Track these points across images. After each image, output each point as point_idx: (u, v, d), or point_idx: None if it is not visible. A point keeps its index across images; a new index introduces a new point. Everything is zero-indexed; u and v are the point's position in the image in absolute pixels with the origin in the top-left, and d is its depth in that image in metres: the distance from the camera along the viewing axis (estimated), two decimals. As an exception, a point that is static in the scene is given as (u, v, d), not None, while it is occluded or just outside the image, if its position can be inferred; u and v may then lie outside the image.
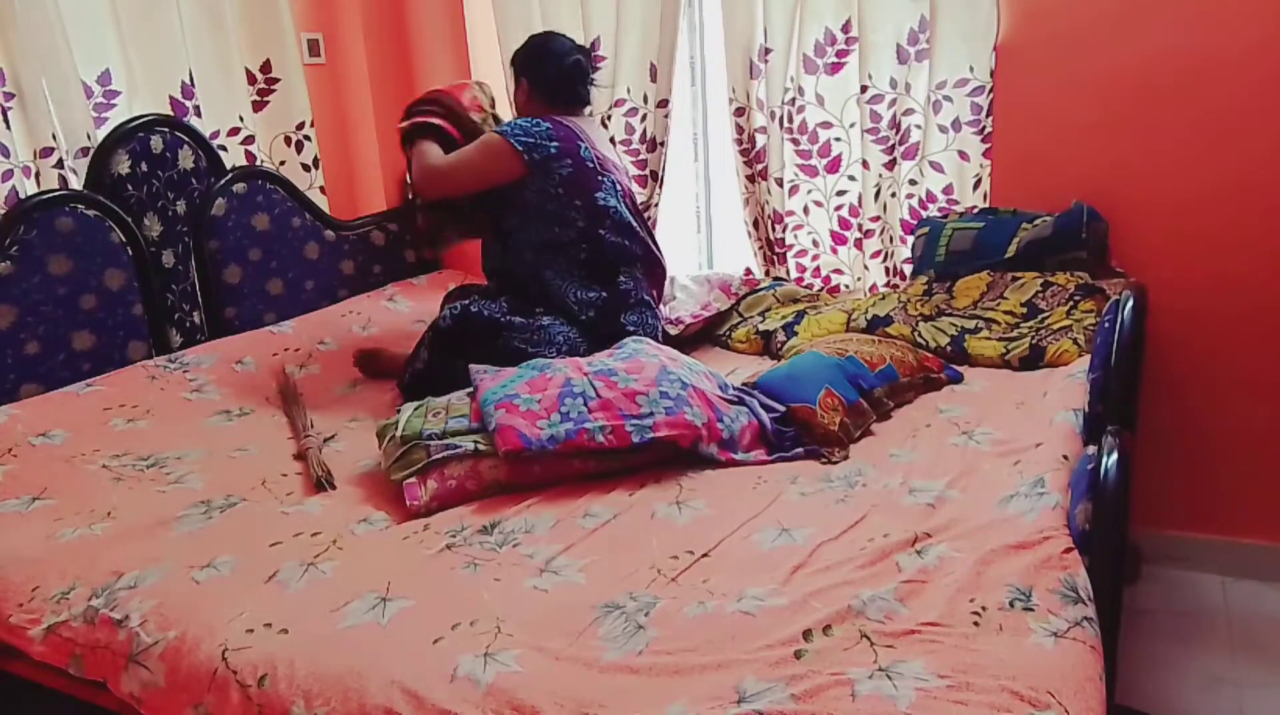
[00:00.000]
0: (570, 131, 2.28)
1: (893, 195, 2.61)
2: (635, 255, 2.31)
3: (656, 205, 2.88)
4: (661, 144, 2.81)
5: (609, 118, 2.85)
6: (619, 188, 2.33)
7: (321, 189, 2.91)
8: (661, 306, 2.50)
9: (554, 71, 2.35)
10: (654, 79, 2.74)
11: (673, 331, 2.51)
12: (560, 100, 2.36)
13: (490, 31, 2.99)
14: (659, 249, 2.43)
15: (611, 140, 2.90)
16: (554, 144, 2.23)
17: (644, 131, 2.81)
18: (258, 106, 2.75)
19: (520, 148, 2.22)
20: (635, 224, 2.33)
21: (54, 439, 1.96)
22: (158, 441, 1.99)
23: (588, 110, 2.45)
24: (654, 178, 2.85)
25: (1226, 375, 2.38)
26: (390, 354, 2.43)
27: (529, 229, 2.27)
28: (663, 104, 2.77)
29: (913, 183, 2.58)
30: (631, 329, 2.26)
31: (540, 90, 2.36)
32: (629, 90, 2.81)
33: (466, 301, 2.26)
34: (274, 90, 2.78)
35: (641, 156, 2.84)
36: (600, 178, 2.28)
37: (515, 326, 2.16)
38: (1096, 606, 1.23)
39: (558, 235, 2.25)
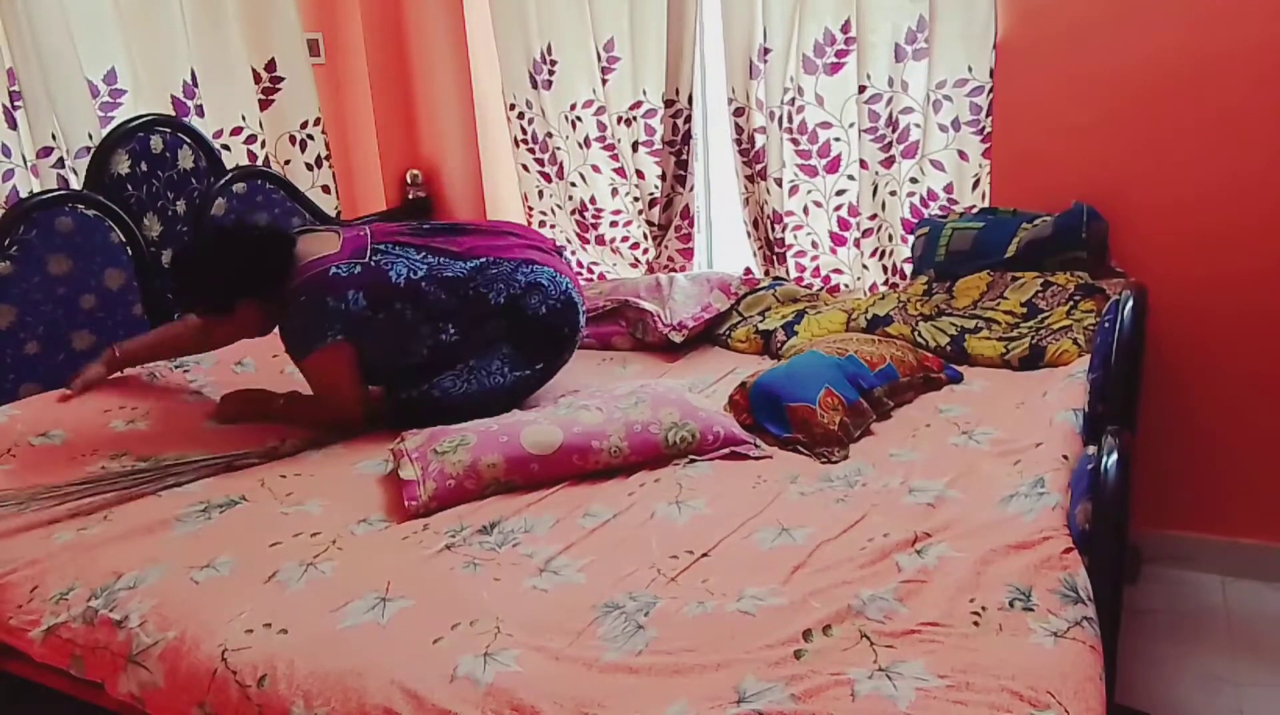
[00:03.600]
0: (312, 278, 1.94)
1: (892, 193, 2.61)
2: (451, 294, 2.04)
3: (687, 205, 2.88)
4: (688, 140, 2.79)
5: (630, 120, 2.84)
6: (370, 239, 2.05)
7: (325, 188, 2.91)
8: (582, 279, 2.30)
9: (261, 259, 1.97)
10: (674, 77, 2.73)
11: (676, 338, 2.50)
12: (276, 276, 1.97)
13: (490, 31, 2.99)
14: (472, 227, 2.21)
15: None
16: (329, 300, 1.92)
17: (665, 131, 2.79)
18: (264, 105, 2.76)
19: (330, 338, 1.94)
20: (430, 261, 2.05)
21: (53, 439, 1.96)
22: (157, 442, 1.99)
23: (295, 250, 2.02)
24: (680, 180, 2.83)
25: (1227, 375, 2.38)
26: (258, 398, 2.18)
27: (404, 358, 2.05)
28: (670, 102, 2.76)
29: (914, 181, 2.58)
30: (439, 396, 2.04)
31: (268, 293, 1.98)
32: (645, 92, 2.81)
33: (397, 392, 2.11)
34: (279, 89, 2.78)
35: (671, 156, 2.81)
36: (386, 267, 1.98)
37: (448, 389, 2.03)
38: (1096, 606, 1.23)
39: (411, 355, 2.05)
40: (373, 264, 1.99)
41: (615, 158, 2.93)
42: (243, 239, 2.02)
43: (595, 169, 2.98)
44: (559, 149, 2.99)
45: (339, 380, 2.04)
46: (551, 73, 2.92)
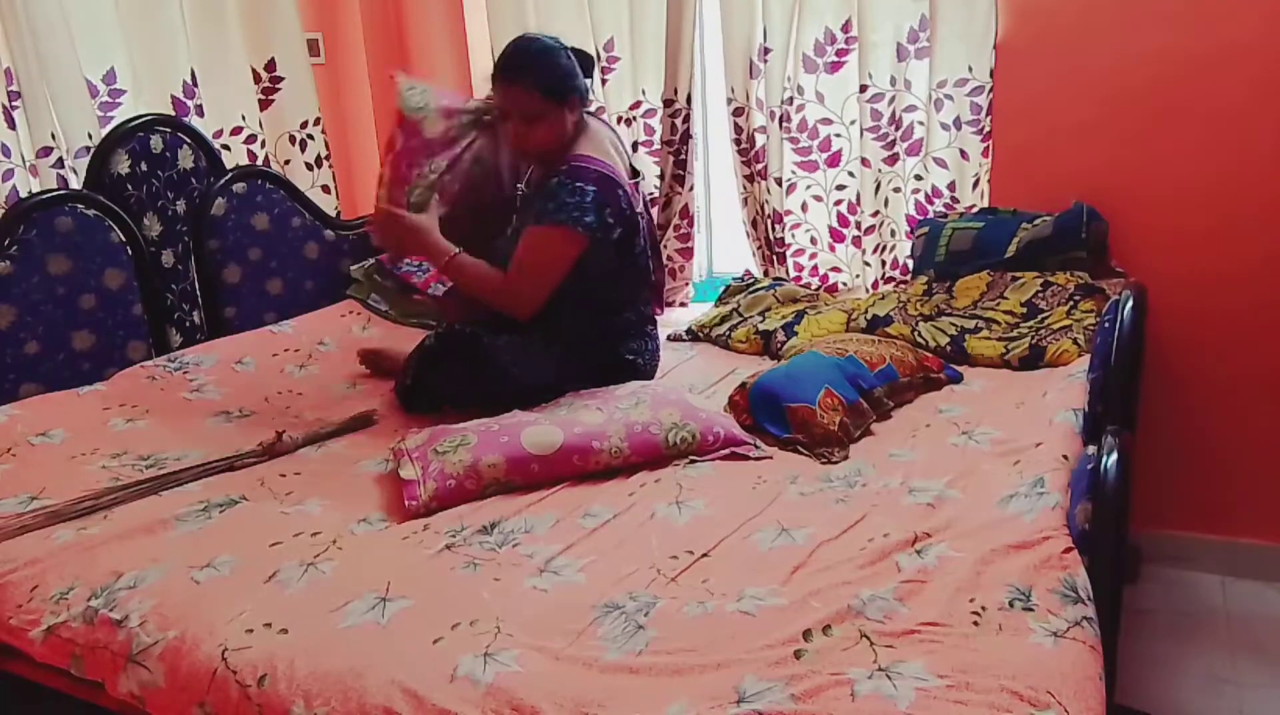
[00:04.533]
0: (611, 180, 2.02)
1: (895, 190, 2.61)
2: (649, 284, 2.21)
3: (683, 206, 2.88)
4: (687, 140, 2.79)
5: (630, 120, 2.84)
6: (634, 196, 2.14)
7: (325, 188, 2.91)
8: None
9: (585, 64, 2.10)
10: (673, 77, 2.73)
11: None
12: (586, 103, 2.12)
13: (490, 32, 2.99)
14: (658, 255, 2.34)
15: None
16: (608, 212, 2.00)
17: (664, 131, 2.80)
18: (263, 105, 2.76)
19: (582, 230, 1.98)
20: (649, 250, 2.20)
21: (53, 439, 1.96)
22: (157, 441, 1.99)
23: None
24: (679, 180, 2.83)
25: (1227, 375, 2.38)
26: (391, 354, 2.41)
27: (567, 286, 2.05)
28: (669, 102, 2.76)
29: (918, 178, 2.58)
30: (630, 358, 2.16)
31: (585, 100, 2.09)
32: (644, 92, 2.81)
33: (452, 322, 2.18)
34: (279, 89, 2.78)
35: (670, 156, 2.82)
36: (639, 220, 2.11)
37: (499, 348, 2.05)
38: (1096, 606, 1.23)
39: (597, 292, 2.11)
40: (636, 219, 2.10)
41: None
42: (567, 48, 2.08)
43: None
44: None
45: (554, 264, 2.01)
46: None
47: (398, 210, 2.06)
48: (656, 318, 2.31)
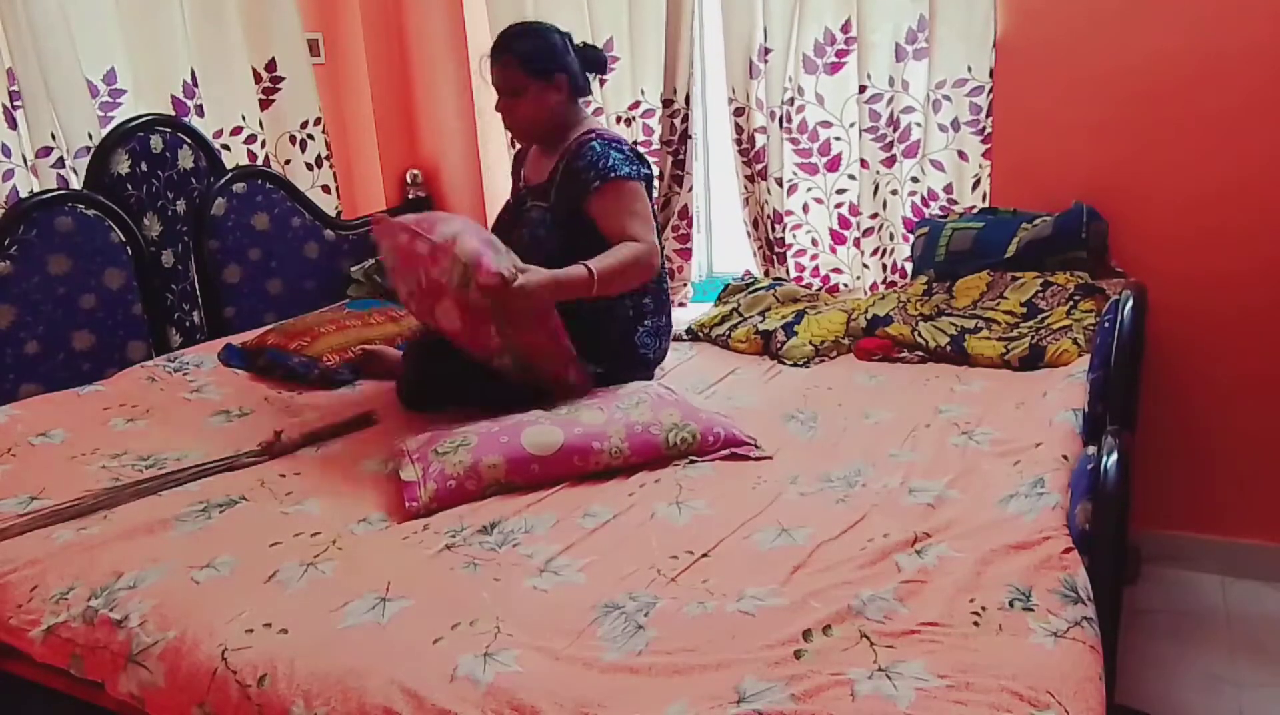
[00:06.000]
0: (622, 140, 2.11)
1: (893, 193, 2.61)
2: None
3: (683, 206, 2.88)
4: (685, 140, 2.79)
5: (629, 120, 2.84)
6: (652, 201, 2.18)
7: (325, 188, 2.91)
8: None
9: (582, 58, 2.14)
10: (672, 77, 2.73)
11: None
12: (585, 92, 2.16)
13: (490, 32, 2.99)
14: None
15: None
16: (641, 166, 2.07)
17: (663, 131, 2.79)
18: (264, 105, 2.76)
19: (642, 182, 2.04)
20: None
21: (53, 439, 1.96)
22: (157, 441, 1.99)
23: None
24: (678, 180, 2.83)
25: (1227, 375, 2.38)
26: (389, 354, 2.41)
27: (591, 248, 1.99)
28: (668, 102, 2.76)
29: (915, 180, 2.58)
30: (642, 350, 2.17)
31: (576, 86, 2.12)
32: (643, 92, 2.81)
33: None
34: (279, 89, 2.78)
35: (669, 156, 2.82)
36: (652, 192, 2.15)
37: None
38: (1096, 606, 1.23)
39: None
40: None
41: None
42: (576, 44, 2.15)
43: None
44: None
45: (646, 210, 2.03)
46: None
47: (496, 283, 1.79)
48: (671, 311, 2.28)
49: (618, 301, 2.08)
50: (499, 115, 2.19)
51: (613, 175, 2.00)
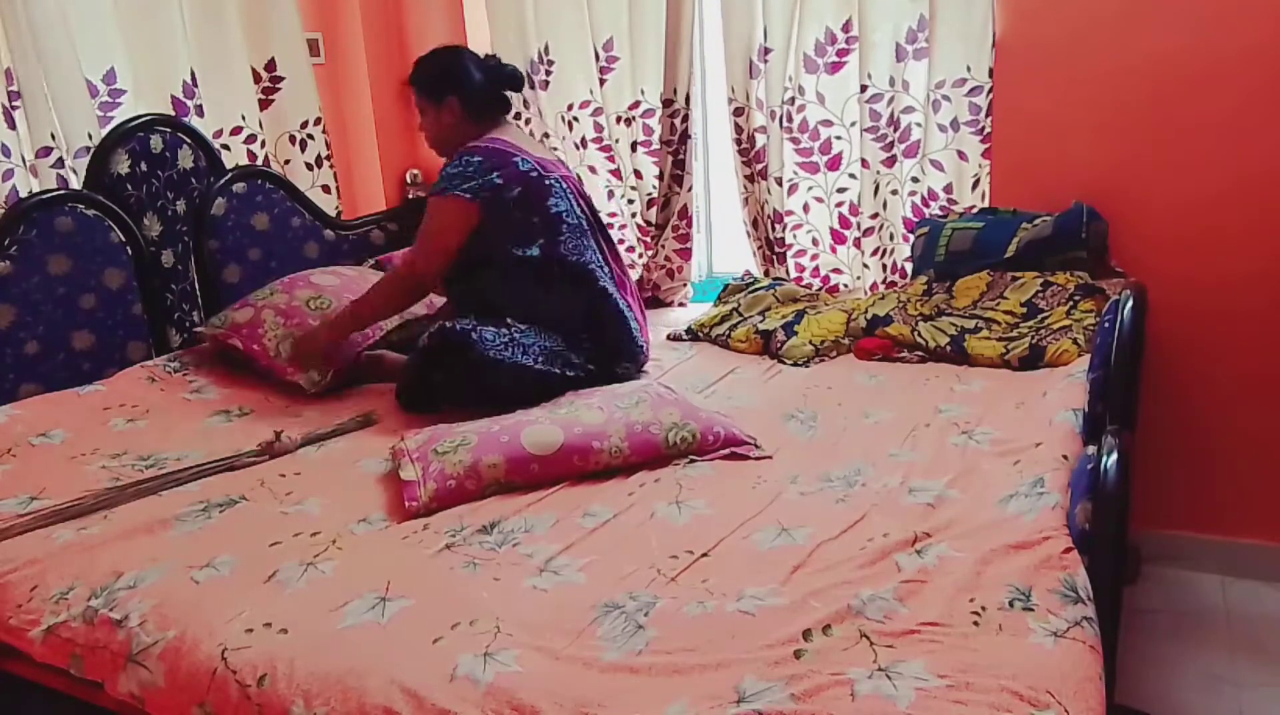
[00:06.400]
0: (501, 151, 2.19)
1: (894, 192, 2.61)
2: (593, 257, 2.25)
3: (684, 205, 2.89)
4: (685, 140, 2.79)
5: (629, 120, 2.85)
6: (566, 185, 2.26)
7: (325, 188, 2.91)
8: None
9: (486, 81, 2.27)
10: (672, 77, 2.73)
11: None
12: (489, 113, 2.28)
13: (490, 32, 2.99)
14: (614, 252, 2.36)
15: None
16: (495, 175, 2.15)
17: (663, 131, 2.79)
18: (263, 105, 2.75)
19: (469, 196, 2.14)
20: (588, 222, 2.28)
21: (53, 439, 1.96)
22: (157, 441, 1.99)
23: (510, 116, 2.36)
24: (677, 180, 2.83)
25: (1227, 375, 2.38)
26: (390, 358, 2.42)
27: (489, 252, 2.19)
28: (668, 102, 2.76)
29: (915, 180, 2.58)
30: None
31: (472, 106, 2.26)
32: (643, 92, 2.81)
33: (444, 321, 2.21)
34: (279, 89, 2.78)
35: (669, 156, 2.82)
36: (547, 182, 2.20)
37: (486, 340, 2.08)
38: (1096, 606, 1.23)
39: (518, 254, 2.18)
40: (544, 182, 2.21)
41: (612, 159, 2.93)
42: (491, 63, 2.32)
43: (592, 170, 2.98)
44: (555, 150, 3.00)
45: (443, 229, 2.19)
46: (549, 73, 2.92)
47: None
48: (629, 301, 2.31)
49: (573, 298, 2.20)
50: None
51: (433, 191, 2.20)
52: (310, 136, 2.85)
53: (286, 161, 2.83)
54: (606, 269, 2.28)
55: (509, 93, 2.32)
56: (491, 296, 2.20)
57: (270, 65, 2.75)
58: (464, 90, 2.25)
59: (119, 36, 2.42)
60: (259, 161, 2.73)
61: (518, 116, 3.02)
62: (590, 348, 2.19)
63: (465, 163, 2.17)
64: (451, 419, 1.95)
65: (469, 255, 2.21)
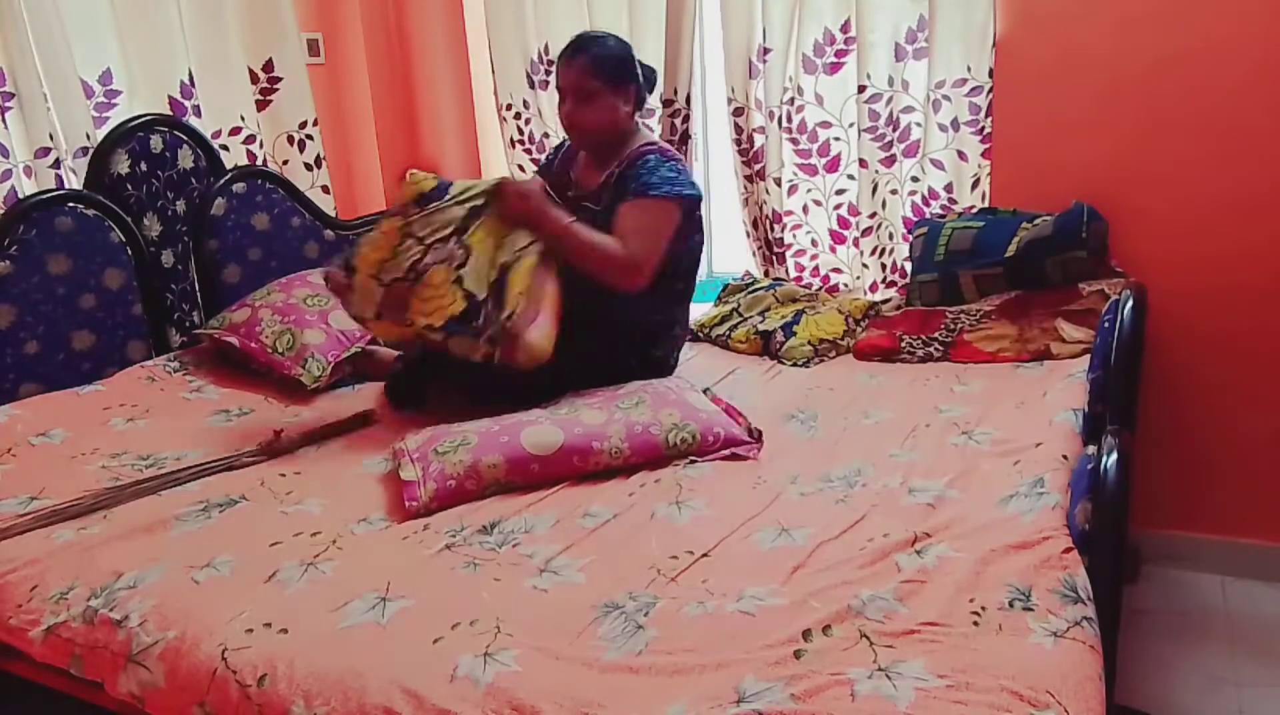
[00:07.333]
0: (680, 157, 2.14)
1: (893, 192, 2.61)
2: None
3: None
4: (685, 140, 2.79)
5: None
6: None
7: (325, 188, 2.91)
8: None
9: (648, 74, 2.18)
10: (672, 77, 2.72)
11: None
12: (642, 104, 2.19)
13: (490, 32, 2.99)
14: None
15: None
16: (695, 189, 2.10)
17: (664, 131, 2.79)
18: (261, 105, 2.75)
19: (685, 202, 2.06)
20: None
21: (53, 439, 1.96)
22: (157, 441, 1.99)
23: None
24: None
25: (1226, 375, 2.38)
26: (382, 354, 2.41)
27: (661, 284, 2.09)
28: (669, 102, 2.76)
29: (914, 179, 2.58)
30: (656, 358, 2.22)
31: (641, 99, 2.16)
32: None
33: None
34: (276, 89, 2.78)
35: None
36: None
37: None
38: (1096, 606, 1.23)
39: (682, 268, 2.17)
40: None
41: (613, 158, 2.92)
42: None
43: (593, 170, 2.98)
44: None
45: (664, 232, 2.04)
46: (549, 73, 2.92)
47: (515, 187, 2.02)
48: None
49: (649, 312, 2.16)
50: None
51: (650, 192, 2.03)
52: (309, 137, 2.85)
53: (285, 162, 2.83)
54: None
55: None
56: (644, 310, 2.13)
57: (268, 65, 2.75)
58: (640, 82, 2.15)
59: (116, 37, 2.41)
60: (258, 162, 2.73)
61: (518, 116, 3.02)
62: (614, 369, 2.13)
63: (677, 168, 2.08)
64: (452, 418, 1.95)
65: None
